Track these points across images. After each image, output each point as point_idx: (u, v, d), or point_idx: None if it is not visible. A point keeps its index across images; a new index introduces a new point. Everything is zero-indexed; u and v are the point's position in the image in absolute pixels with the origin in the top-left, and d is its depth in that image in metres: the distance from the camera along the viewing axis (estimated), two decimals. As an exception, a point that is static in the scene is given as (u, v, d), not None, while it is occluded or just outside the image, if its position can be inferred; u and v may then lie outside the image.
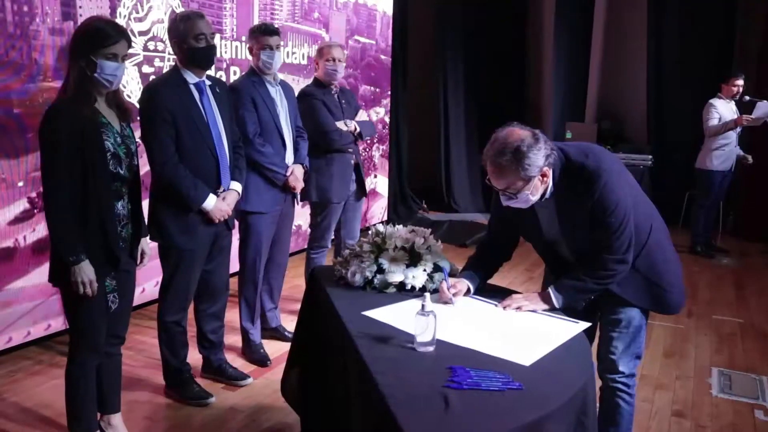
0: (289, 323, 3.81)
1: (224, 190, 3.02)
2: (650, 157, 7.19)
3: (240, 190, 3.10)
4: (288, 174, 3.45)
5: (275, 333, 3.90)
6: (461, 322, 2.09)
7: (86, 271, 2.29)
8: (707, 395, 3.44)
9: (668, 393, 3.45)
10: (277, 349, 3.72)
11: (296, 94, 3.78)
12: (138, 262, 2.62)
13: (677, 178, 7.12)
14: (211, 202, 2.92)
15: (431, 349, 1.85)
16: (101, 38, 2.25)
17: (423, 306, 1.84)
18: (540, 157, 2.00)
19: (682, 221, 7.06)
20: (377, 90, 6.74)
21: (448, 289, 2.25)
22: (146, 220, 2.95)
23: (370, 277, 2.36)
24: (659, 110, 7.68)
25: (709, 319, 4.61)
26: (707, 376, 3.67)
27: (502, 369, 1.74)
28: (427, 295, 1.90)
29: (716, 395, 3.44)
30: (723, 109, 5.90)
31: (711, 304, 4.96)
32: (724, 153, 5.94)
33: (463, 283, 2.32)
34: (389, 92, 7.01)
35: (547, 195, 2.14)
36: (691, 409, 3.28)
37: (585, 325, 2.08)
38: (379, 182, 6.95)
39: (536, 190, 2.07)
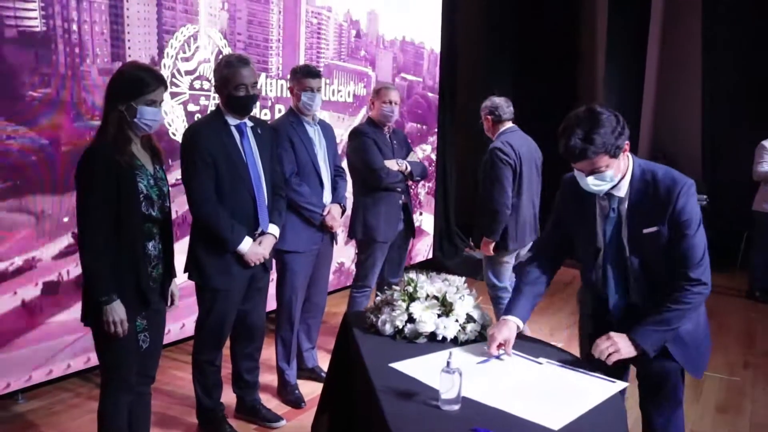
0: (327, 364, 3.77)
1: (262, 232, 3.02)
2: (705, 196, 6.94)
3: (277, 234, 3.10)
4: (325, 213, 3.44)
5: (312, 374, 3.85)
6: (489, 377, 2.01)
7: (118, 312, 2.31)
8: (764, 457, 3.24)
9: (721, 453, 3.26)
10: (312, 390, 3.67)
11: (348, 131, 3.86)
12: (169, 303, 2.63)
13: (734, 218, 6.84)
14: (246, 245, 2.93)
15: (456, 407, 1.77)
16: (142, 86, 2.31)
17: (448, 363, 1.77)
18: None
19: (740, 264, 6.78)
20: (424, 127, 6.73)
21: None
22: (185, 258, 2.99)
23: (400, 327, 2.31)
24: (714, 147, 7.44)
25: (767, 371, 4.36)
26: (764, 435, 3.46)
27: (528, 430, 1.65)
28: (453, 351, 1.82)
29: (774, 457, 3.24)
30: (777, 151, 5.67)
31: (770, 355, 4.70)
32: (783, 195, 5.71)
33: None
34: (436, 130, 6.99)
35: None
36: (745, 472, 3.09)
37: (622, 385, 1.97)
38: (424, 220, 6.89)
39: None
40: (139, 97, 2.30)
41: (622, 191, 2.13)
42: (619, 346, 2.07)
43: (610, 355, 2.07)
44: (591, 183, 2.05)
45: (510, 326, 2.21)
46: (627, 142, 2.04)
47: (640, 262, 2.16)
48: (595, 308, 2.33)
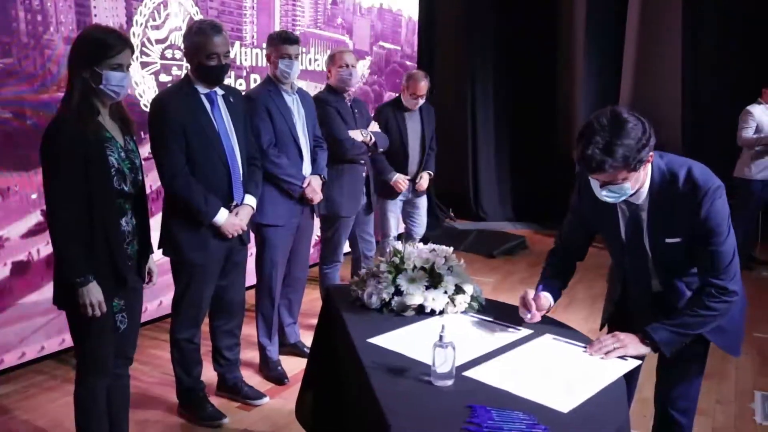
0: (309, 338, 3.67)
1: (237, 204, 2.92)
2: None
3: (254, 205, 2.99)
4: (305, 185, 3.33)
5: (294, 349, 3.78)
6: (488, 358, 1.90)
7: (94, 293, 2.18)
8: (750, 422, 3.23)
9: (707, 419, 3.24)
10: (295, 366, 3.60)
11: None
12: (146, 281, 2.51)
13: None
14: (222, 216, 2.82)
15: (450, 382, 1.70)
16: (106, 49, 2.15)
17: (441, 337, 1.69)
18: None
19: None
20: (402, 97, 6.61)
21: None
22: (159, 234, 2.87)
23: (387, 299, 2.23)
24: (695, 115, 7.41)
25: (750, 337, 4.35)
26: (750, 401, 3.45)
27: (536, 413, 1.57)
28: (445, 325, 1.74)
29: (760, 422, 3.22)
30: (762, 117, 5.63)
31: (752, 321, 4.61)
32: (764, 161, 5.67)
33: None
34: (415, 99, 6.86)
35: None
36: (732, 437, 3.08)
37: (635, 363, 1.89)
38: (404, 191, 6.79)
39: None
40: (103, 61, 2.13)
41: (641, 199, 1.95)
42: (626, 343, 1.93)
43: (611, 351, 1.93)
44: (604, 194, 1.87)
45: (546, 298, 2.15)
46: (651, 153, 1.83)
47: (663, 267, 2.03)
48: (620, 294, 2.23)
